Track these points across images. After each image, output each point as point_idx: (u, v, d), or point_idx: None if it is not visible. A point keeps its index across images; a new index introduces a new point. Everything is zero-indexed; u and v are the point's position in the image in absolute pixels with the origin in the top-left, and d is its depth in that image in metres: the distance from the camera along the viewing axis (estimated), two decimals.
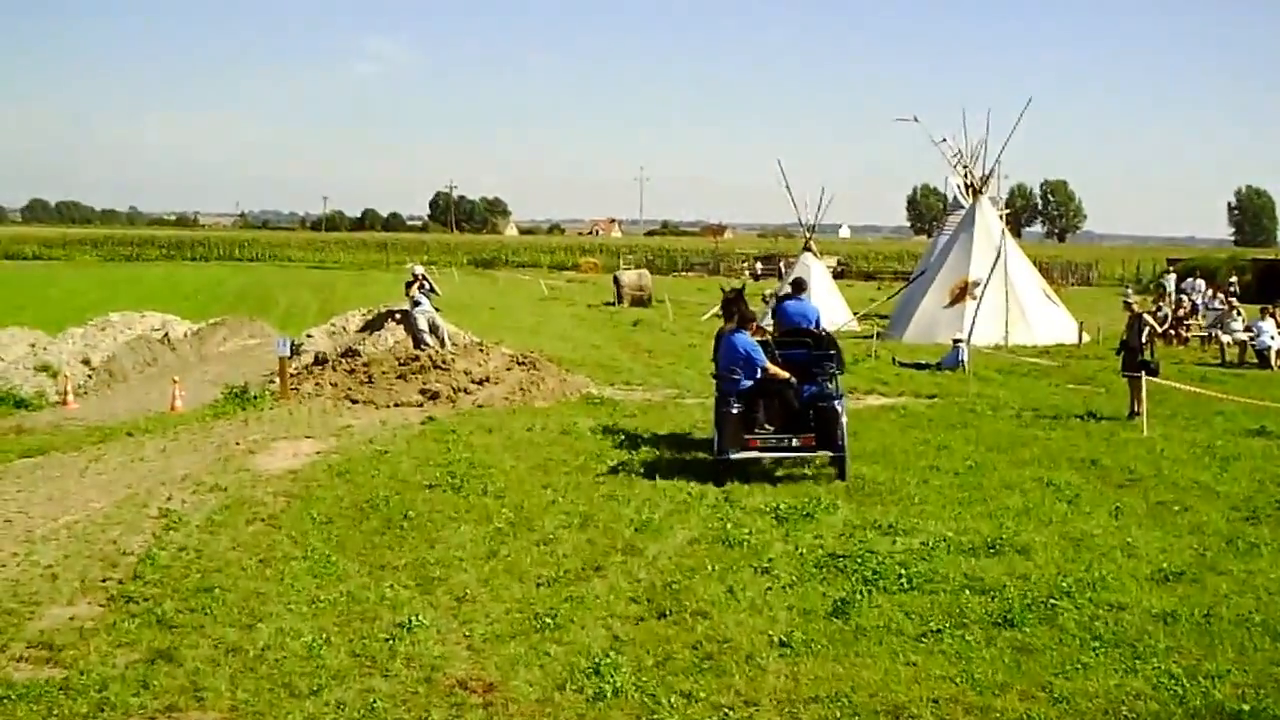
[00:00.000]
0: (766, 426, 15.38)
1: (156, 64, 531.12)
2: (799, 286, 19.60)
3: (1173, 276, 49.39)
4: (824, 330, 17.96)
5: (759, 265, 74.84)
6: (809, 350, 16.71)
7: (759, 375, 15.56)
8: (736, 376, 15.56)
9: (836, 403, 15.39)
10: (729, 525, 12.40)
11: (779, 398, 15.54)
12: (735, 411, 15.15)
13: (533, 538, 12.01)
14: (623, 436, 17.72)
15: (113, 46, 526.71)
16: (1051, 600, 9.74)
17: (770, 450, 15.43)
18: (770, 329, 18.89)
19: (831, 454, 15.21)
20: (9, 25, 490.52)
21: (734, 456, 15.04)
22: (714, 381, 16.57)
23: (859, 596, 9.92)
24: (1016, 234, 60.46)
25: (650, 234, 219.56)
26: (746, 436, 15.16)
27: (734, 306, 16.67)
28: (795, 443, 15.21)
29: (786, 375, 15.68)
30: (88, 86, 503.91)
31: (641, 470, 15.26)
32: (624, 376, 26.53)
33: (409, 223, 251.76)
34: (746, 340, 15.77)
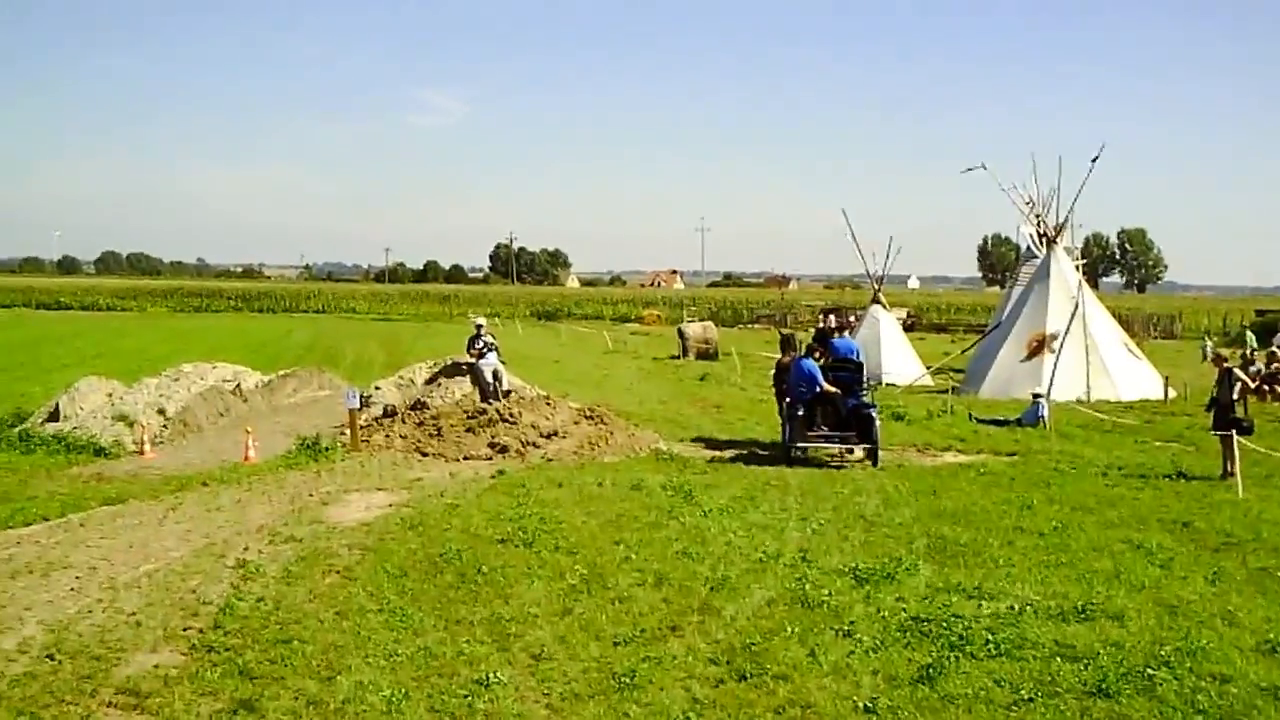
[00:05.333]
0: (822, 426, 21.93)
1: (222, 119, 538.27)
2: (843, 328, 27.29)
3: None
4: (861, 360, 23.81)
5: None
6: (852, 374, 22.65)
7: (818, 390, 21.79)
8: (803, 389, 21.86)
9: (872, 410, 21.89)
10: (807, 585, 12.14)
11: (831, 406, 21.97)
12: (800, 415, 21.74)
13: (607, 595, 11.82)
14: (694, 493, 17.42)
15: (180, 102, 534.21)
16: (1148, 670, 9.41)
17: (824, 442, 22.01)
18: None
19: (868, 446, 21.72)
20: (80, 82, 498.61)
21: (800, 445, 21.84)
22: (775, 406, 24.37)
23: (946, 662, 9.65)
24: (1093, 284, 59.41)
25: (713, 285, 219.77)
26: (808, 432, 21.85)
27: (791, 342, 24.90)
28: (842, 438, 21.88)
29: (836, 390, 21.96)
30: (157, 141, 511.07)
31: (715, 528, 15.00)
32: (693, 432, 26.36)
33: (470, 274, 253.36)
34: (811, 364, 22.10)
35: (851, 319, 44.24)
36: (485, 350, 25.46)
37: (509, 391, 25.37)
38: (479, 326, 26.17)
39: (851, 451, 22.50)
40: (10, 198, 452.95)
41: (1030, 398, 29.49)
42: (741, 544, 14.12)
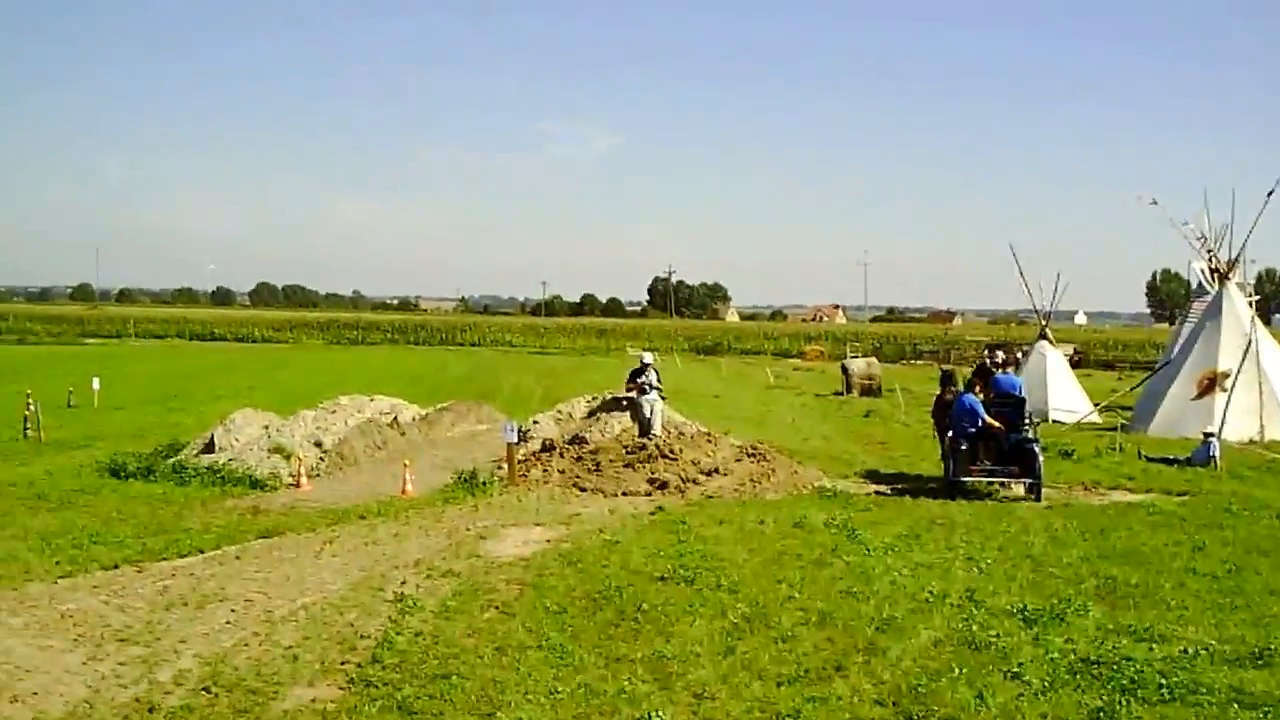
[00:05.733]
0: (984, 461, 22.20)
1: (377, 151, 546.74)
2: (1007, 364, 26.40)
3: None
4: (1023, 395, 24.04)
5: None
6: (1014, 409, 22.91)
7: (980, 424, 22.12)
8: (966, 424, 22.14)
9: (1035, 446, 21.97)
10: (974, 626, 11.93)
11: (994, 440, 22.28)
12: (964, 449, 22.02)
13: (770, 634, 11.70)
14: (858, 531, 17.18)
15: (334, 135, 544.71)
16: None
17: (987, 476, 22.16)
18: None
19: (1030, 480, 21.71)
20: (234, 114, 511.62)
21: (963, 479, 21.94)
22: (937, 442, 24.61)
23: (1117, 706, 9.40)
24: (1266, 321, 57.55)
25: (876, 320, 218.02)
26: (971, 466, 22.08)
27: (951, 377, 25.47)
28: (1005, 472, 22.07)
29: (999, 425, 22.25)
30: (312, 174, 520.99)
31: (879, 567, 14.78)
32: (856, 469, 26.06)
33: (628, 308, 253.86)
34: (973, 399, 22.47)
35: (1018, 354, 43.43)
36: (648, 386, 25.36)
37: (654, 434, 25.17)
38: (645, 362, 26.08)
39: (1007, 486, 22.56)
40: (164, 229, 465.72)
41: (1201, 437, 28.66)
42: (907, 583, 13.92)
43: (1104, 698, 9.67)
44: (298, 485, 22.69)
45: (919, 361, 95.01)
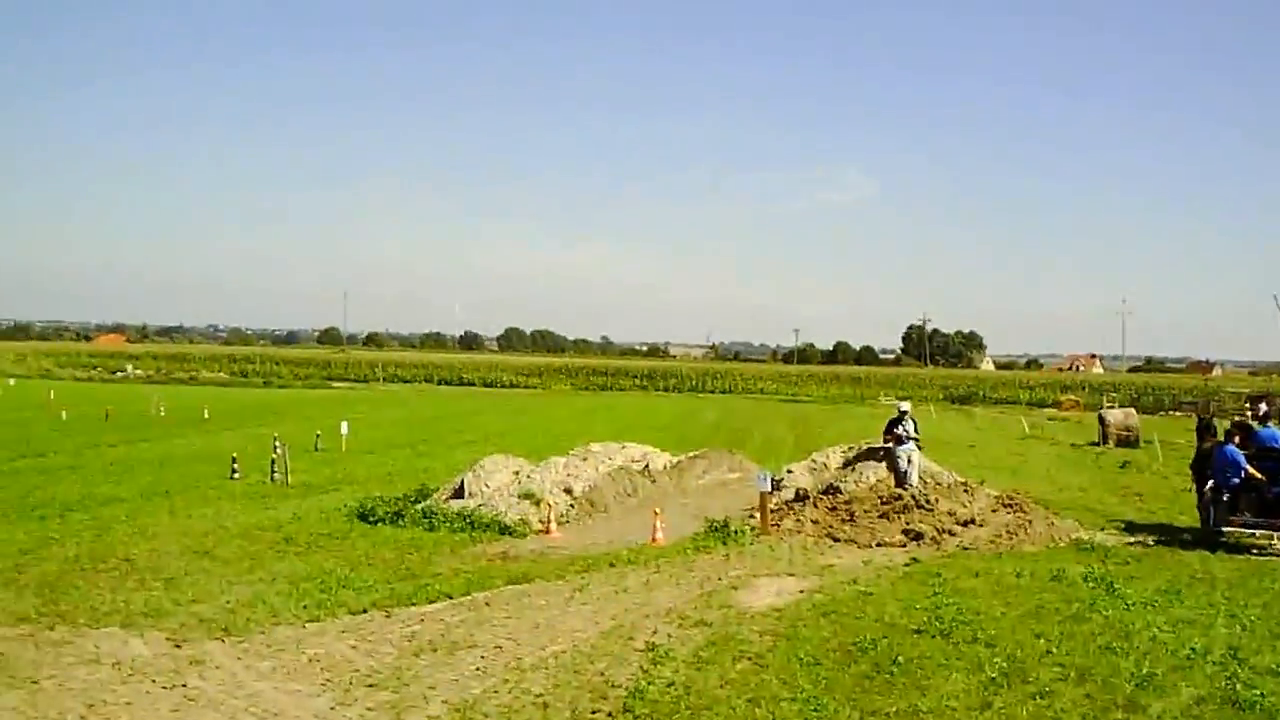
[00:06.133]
0: (1245, 513, 21.84)
1: (627, 195, 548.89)
2: (1268, 417, 26.42)
3: None
4: None
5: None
6: (1277, 462, 22.19)
7: (1243, 475, 21.89)
8: (1228, 474, 21.97)
9: None
10: (1238, 685, 11.62)
11: (1256, 493, 21.90)
12: (1225, 500, 21.90)
13: (1027, 690, 11.55)
14: (1116, 585, 16.82)
15: (583, 180, 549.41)
16: None
17: (1249, 528, 21.67)
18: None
19: None
20: (492, 165, 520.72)
21: (1223, 530, 21.75)
22: (1195, 494, 23.88)
23: None
24: None
25: (1134, 370, 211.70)
26: (1232, 518, 21.81)
27: (1209, 428, 24.63)
28: (1268, 524, 21.46)
29: (1262, 477, 21.86)
30: (562, 218, 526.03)
31: (1139, 622, 14.45)
32: (1114, 521, 25.39)
33: (881, 356, 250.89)
34: (1234, 450, 22.25)
35: None
36: (905, 436, 25.16)
37: (926, 481, 24.85)
38: (903, 412, 25.89)
39: (1270, 540, 21.67)
40: (413, 273, 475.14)
41: None
42: (1167, 639, 13.61)
43: None
44: (547, 532, 22.93)
45: (1177, 413, 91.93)
